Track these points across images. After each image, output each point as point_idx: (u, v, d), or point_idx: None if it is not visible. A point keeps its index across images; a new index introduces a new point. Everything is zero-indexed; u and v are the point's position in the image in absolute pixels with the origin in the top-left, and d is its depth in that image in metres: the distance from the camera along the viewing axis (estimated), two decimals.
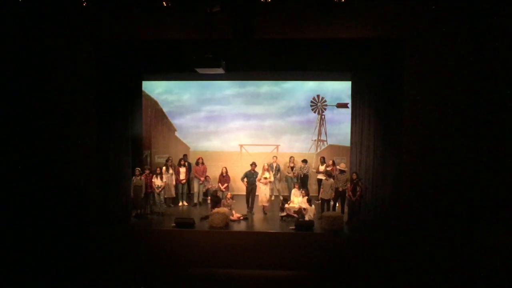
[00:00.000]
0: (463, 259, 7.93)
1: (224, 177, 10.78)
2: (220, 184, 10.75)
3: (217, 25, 7.90)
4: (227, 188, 10.75)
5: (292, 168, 11.64)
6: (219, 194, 10.45)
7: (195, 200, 11.35)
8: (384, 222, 8.95)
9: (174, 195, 11.12)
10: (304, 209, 9.56)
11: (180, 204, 11.26)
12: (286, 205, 9.79)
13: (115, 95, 9.36)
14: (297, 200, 9.86)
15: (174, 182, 10.99)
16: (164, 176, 10.48)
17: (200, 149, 12.76)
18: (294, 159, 11.73)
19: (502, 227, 7.85)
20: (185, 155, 11.74)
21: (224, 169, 10.85)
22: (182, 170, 11.19)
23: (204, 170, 11.32)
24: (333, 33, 8.35)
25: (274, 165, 11.41)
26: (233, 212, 9.88)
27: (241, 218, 9.86)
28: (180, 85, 12.80)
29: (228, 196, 10.08)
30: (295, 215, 9.59)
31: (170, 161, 11.16)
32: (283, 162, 12.10)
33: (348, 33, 8.32)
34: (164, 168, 10.74)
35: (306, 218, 9.42)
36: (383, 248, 8.42)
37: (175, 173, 11.04)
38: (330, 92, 12.51)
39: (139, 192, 9.79)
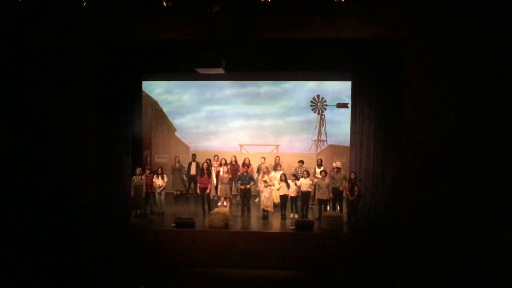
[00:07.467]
0: (463, 258, 7.93)
1: (234, 166, 10.74)
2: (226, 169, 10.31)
3: (217, 25, 7.91)
4: (235, 175, 10.41)
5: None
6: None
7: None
8: (384, 222, 8.95)
9: (217, 195, 10.42)
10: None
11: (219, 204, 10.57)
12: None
13: (115, 95, 9.37)
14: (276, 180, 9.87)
15: (215, 182, 10.43)
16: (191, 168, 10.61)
17: (200, 149, 12.74)
18: (279, 159, 11.00)
19: (502, 227, 7.85)
20: (199, 164, 11.10)
21: (233, 157, 10.83)
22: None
23: None
24: (333, 33, 8.35)
25: (262, 166, 10.57)
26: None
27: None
28: (180, 85, 12.80)
29: (225, 170, 10.04)
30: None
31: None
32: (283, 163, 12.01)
33: (348, 33, 8.33)
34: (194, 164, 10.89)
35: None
36: (383, 248, 8.42)
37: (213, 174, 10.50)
38: (330, 92, 12.50)
39: (139, 192, 9.78)
